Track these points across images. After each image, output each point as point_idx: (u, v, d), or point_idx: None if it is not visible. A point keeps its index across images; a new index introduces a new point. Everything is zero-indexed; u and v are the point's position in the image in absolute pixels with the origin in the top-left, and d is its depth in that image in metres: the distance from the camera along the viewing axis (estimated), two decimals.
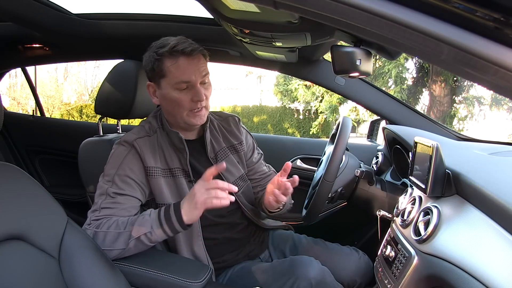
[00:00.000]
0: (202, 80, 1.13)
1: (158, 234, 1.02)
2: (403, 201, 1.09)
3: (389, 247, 1.00)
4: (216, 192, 0.98)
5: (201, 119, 1.15)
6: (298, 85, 11.11)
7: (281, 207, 1.23)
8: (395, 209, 1.12)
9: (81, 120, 11.63)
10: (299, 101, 12.27)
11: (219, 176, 1.23)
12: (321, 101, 10.92)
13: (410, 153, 1.06)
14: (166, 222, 1.02)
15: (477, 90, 9.36)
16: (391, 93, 4.57)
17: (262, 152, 1.40)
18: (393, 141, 1.46)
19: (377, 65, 9.26)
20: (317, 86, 8.53)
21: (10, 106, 13.25)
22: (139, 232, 1.01)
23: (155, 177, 1.14)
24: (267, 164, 1.41)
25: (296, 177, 1.09)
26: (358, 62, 0.89)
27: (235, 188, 1.00)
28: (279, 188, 1.11)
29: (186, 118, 1.14)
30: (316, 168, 1.52)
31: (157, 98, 1.18)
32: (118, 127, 1.58)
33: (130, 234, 1.02)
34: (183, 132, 1.19)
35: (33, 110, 10.02)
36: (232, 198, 1.00)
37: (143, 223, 1.02)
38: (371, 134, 1.81)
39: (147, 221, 1.03)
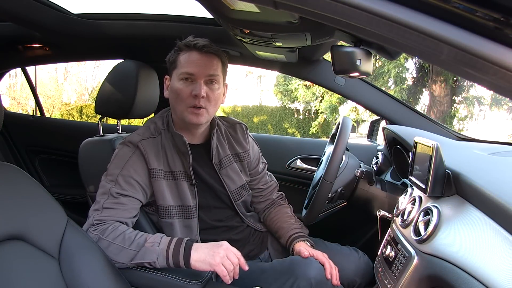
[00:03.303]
0: (208, 79, 1.13)
1: (161, 264, 1.03)
2: (403, 201, 1.09)
3: (389, 247, 1.00)
4: (233, 267, 1.01)
5: (199, 119, 1.13)
6: (298, 85, 11.12)
7: None
8: (395, 209, 1.12)
9: (81, 120, 11.63)
10: (299, 101, 12.29)
11: (221, 184, 1.24)
12: (321, 101, 10.94)
13: (410, 153, 1.06)
14: (172, 257, 1.02)
15: (477, 90, 9.37)
16: (391, 93, 4.57)
17: (266, 162, 1.40)
18: (393, 141, 1.46)
19: (377, 65, 9.26)
20: (317, 86, 8.53)
21: (10, 106, 13.26)
22: (144, 259, 1.02)
23: (158, 179, 1.14)
24: (269, 173, 1.41)
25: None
26: (358, 62, 0.89)
27: (245, 267, 1.03)
28: None
29: (185, 114, 1.13)
30: (316, 168, 1.52)
31: (168, 91, 1.19)
32: (118, 127, 1.58)
33: (134, 255, 1.01)
34: (188, 135, 1.19)
35: (33, 110, 10.03)
36: (236, 276, 1.03)
37: (150, 251, 1.02)
38: (371, 134, 1.81)
39: (155, 251, 1.02)
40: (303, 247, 1.18)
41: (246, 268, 1.04)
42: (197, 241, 1.06)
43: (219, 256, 1.00)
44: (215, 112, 1.20)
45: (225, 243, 1.03)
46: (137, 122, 6.65)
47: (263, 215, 1.36)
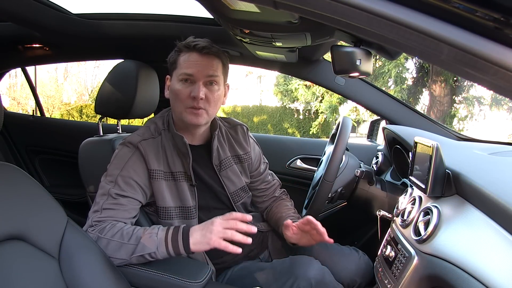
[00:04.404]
0: (208, 80, 1.12)
1: (161, 254, 1.02)
2: (403, 201, 1.09)
3: (389, 247, 1.00)
4: (232, 234, 0.99)
5: (198, 119, 1.13)
6: (298, 85, 11.12)
7: None
8: (395, 209, 1.12)
9: (81, 120, 11.63)
10: (299, 101, 12.28)
11: (220, 185, 1.24)
12: (321, 101, 10.94)
13: (410, 153, 1.06)
14: (172, 245, 1.01)
15: (477, 90, 9.37)
16: (391, 93, 4.57)
17: (267, 161, 1.41)
18: (393, 141, 1.46)
19: (377, 65, 9.26)
20: (317, 86, 8.53)
21: (10, 106, 13.27)
22: (144, 250, 1.01)
23: (157, 180, 1.14)
24: (270, 172, 1.41)
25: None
26: (358, 62, 0.89)
27: (254, 229, 1.00)
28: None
29: (183, 115, 1.13)
30: (316, 168, 1.52)
31: (168, 91, 1.19)
32: (118, 127, 1.58)
33: (134, 249, 1.01)
34: (189, 136, 1.19)
35: (33, 110, 10.04)
36: (249, 241, 0.99)
37: (149, 242, 1.01)
38: (371, 134, 1.81)
39: (153, 241, 1.01)
40: (290, 223, 1.17)
41: (250, 218, 1.02)
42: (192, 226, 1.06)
43: (212, 233, 0.99)
44: (215, 113, 1.19)
45: (216, 219, 1.02)
46: (137, 122, 6.65)
47: (266, 212, 1.37)
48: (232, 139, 1.29)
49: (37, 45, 1.87)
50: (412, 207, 0.99)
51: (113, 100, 1.41)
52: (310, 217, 1.10)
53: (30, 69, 3.13)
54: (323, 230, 1.09)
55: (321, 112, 11.05)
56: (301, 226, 1.13)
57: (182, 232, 1.02)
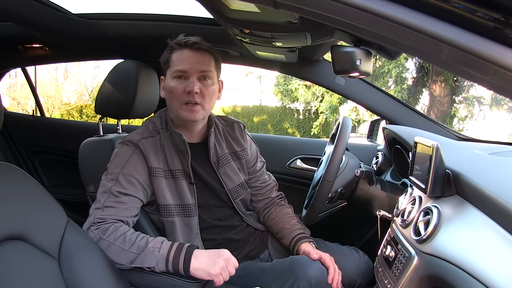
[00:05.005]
0: (201, 75, 1.14)
1: (160, 269, 1.02)
2: (403, 201, 1.09)
3: (389, 247, 1.00)
4: (229, 277, 1.00)
5: (195, 115, 1.14)
6: (298, 85, 11.12)
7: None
8: (395, 209, 1.12)
9: (81, 120, 11.63)
10: (299, 101, 12.29)
11: (219, 182, 1.24)
12: (321, 101, 10.93)
13: (410, 153, 1.06)
14: (172, 264, 1.01)
15: (477, 90, 9.37)
16: (391, 93, 4.57)
17: (264, 160, 1.41)
18: (393, 141, 1.46)
19: (377, 65, 9.26)
20: (317, 86, 8.53)
21: (10, 106, 13.26)
22: (143, 263, 1.01)
23: (157, 177, 1.14)
24: (268, 172, 1.41)
25: None
26: (358, 62, 0.89)
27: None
28: None
29: (180, 111, 1.14)
30: (316, 168, 1.52)
31: (164, 91, 1.19)
32: (118, 127, 1.58)
33: (134, 258, 1.01)
34: (187, 134, 1.19)
35: (33, 110, 10.04)
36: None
37: (150, 256, 1.01)
38: (371, 134, 1.81)
39: (155, 256, 1.01)
40: (311, 249, 1.18)
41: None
42: (198, 247, 1.06)
43: (219, 267, 0.99)
44: (211, 109, 1.20)
45: (225, 253, 1.02)
46: (137, 122, 6.64)
47: (263, 215, 1.36)
48: (229, 136, 1.30)
49: (37, 45, 1.87)
50: (412, 207, 0.99)
51: (113, 100, 1.42)
52: (332, 265, 1.13)
53: (30, 69, 3.14)
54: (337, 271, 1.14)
55: (321, 112, 11.05)
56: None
57: (184, 253, 1.02)
